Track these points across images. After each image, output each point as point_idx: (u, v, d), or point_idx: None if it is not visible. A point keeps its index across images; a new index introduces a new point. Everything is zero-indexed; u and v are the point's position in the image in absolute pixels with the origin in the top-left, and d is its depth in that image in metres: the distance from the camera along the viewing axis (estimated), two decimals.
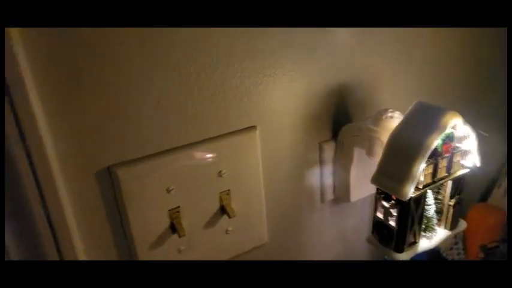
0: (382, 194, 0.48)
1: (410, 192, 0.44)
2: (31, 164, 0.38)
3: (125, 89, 0.43)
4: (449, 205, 0.51)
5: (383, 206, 0.49)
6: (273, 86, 0.53)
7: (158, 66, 0.44)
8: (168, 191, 0.49)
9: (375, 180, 0.47)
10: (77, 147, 0.43)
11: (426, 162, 0.44)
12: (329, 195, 0.65)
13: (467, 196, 0.53)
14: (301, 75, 0.55)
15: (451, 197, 0.51)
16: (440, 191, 0.51)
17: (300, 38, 0.53)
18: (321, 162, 0.62)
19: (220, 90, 0.50)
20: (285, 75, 0.54)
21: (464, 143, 0.48)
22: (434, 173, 0.47)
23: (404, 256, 0.49)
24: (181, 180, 0.50)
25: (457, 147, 0.48)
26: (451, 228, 0.52)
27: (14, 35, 0.35)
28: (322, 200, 0.66)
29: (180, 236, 0.51)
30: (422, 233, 0.51)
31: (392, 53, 0.61)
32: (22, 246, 0.41)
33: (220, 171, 0.52)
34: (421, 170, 0.44)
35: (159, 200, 0.49)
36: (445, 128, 0.43)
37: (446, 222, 0.52)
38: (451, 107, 0.43)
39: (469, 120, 0.46)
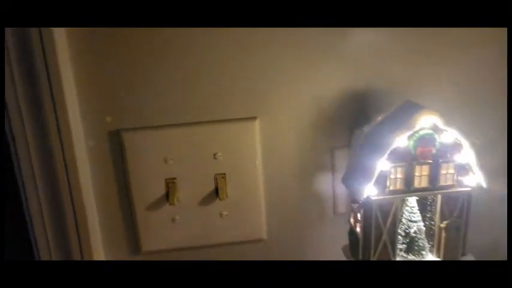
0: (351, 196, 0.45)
1: (365, 191, 0.40)
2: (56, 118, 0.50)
3: (141, 67, 0.53)
4: (441, 228, 0.44)
5: (353, 209, 0.45)
6: (279, 82, 0.56)
7: (168, 55, 0.52)
8: (166, 161, 0.56)
9: (343, 179, 0.45)
10: (96, 108, 0.54)
11: (393, 163, 0.40)
12: (342, 208, 0.62)
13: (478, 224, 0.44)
14: (312, 75, 0.56)
15: (443, 218, 0.43)
16: (430, 208, 0.44)
17: (313, 38, 0.54)
18: (334, 169, 0.60)
19: (224, 78, 0.55)
20: (293, 72, 0.55)
21: (459, 154, 0.41)
22: (408, 180, 0.41)
23: None
24: (178, 154, 0.56)
25: (445, 155, 0.41)
26: (446, 258, 0.44)
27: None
28: (335, 211, 0.62)
29: (170, 204, 0.57)
30: (404, 254, 0.45)
31: (412, 56, 0.55)
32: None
33: (215, 154, 0.57)
34: (383, 170, 0.40)
35: (157, 167, 0.56)
36: (411, 125, 0.39)
37: (438, 249, 0.44)
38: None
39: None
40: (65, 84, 0.50)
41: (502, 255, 0.51)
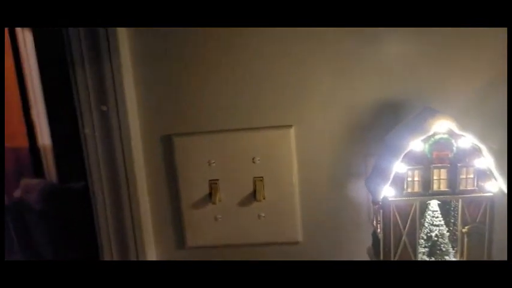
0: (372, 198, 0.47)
1: (382, 192, 0.42)
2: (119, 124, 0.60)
3: (186, 79, 0.61)
4: (463, 233, 0.44)
5: (374, 211, 0.47)
6: (314, 92, 0.60)
7: (216, 67, 0.60)
8: (210, 164, 0.63)
9: (365, 182, 0.47)
10: (152, 115, 0.62)
11: (409, 166, 0.42)
12: None
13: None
14: (346, 84, 0.59)
15: (465, 224, 0.44)
16: (453, 213, 0.45)
17: (348, 49, 0.58)
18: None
19: (264, 87, 0.60)
20: (328, 82, 0.59)
21: (478, 159, 0.42)
22: (426, 183, 0.43)
23: None
24: (221, 157, 0.63)
25: (463, 160, 0.42)
26: None
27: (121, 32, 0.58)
28: (369, 218, 0.64)
29: (212, 203, 0.63)
30: (426, 257, 0.46)
31: (437, 65, 0.56)
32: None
33: (254, 158, 0.62)
34: (399, 172, 0.42)
35: (202, 169, 0.63)
36: (426, 130, 0.41)
37: (462, 255, 0.45)
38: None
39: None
40: (127, 95, 0.60)
41: None
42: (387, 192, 0.42)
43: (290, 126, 0.61)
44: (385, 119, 0.59)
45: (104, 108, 0.59)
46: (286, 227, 0.65)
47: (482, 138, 0.42)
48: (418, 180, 0.43)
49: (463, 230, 0.44)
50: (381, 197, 0.42)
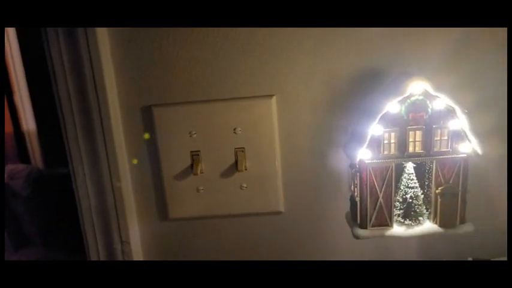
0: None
1: (358, 155, 0.43)
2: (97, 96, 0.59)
3: (165, 48, 0.60)
4: (436, 194, 0.45)
5: (352, 176, 0.48)
6: (296, 61, 0.59)
7: (196, 37, 0.59)
8: (191, 134, 0.63)
9: (343, 148, 0.47)
10: (130, 86, 0.61)
11: (386, 128, 0.43)
12: None
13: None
14: (327, 54, 0.59)
15: (438, 185, 0.45)
16: (428, 175, 0.46)
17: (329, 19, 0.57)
18: None
19: (244, 57, 0.60)
20: (309, 51, 0.59)
21: (452, 120, 0.42)
22: (402, 146, 0.43)
23: (368, 234, 0.46)
24: (202, 128, 0.62)
25: (438, 122, 0.43)
26: (442, 225, 0.45)
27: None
28: (350, 188, 0.65)
29: (194, 174, 0.63)
30: (401, 219, 0.47)
31: (419, 31, 0.56)
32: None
33: (235, 129, 0.62)
34: (375, 135, 0.42)
35: (183, 140, 0.63)
36: (402, 92, 0.41)
37: (435, 216, 0.46)
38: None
39: None
40: (104, 68, 0.59)
41: (502, 223, 0.50)
42: (363, 155, 0.43)
43: (271, 96, 0.61)
44: (367, 87, 0.59)
45: None
46: (269, 198, 0.65)
47: (456, 100, 0.42)
48: (394, 143, 0.43)
49: (437, 191, 0.45)
50: (358, 160, 0.43)
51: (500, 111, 0.49)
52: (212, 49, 0.60)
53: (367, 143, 0.42)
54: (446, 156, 0.43)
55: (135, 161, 0.64)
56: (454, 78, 0.49)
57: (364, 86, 0.58)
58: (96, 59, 0.58)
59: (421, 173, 0.46)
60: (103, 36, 0.59)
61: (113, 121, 0.61)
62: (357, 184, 0.46)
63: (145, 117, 0.63)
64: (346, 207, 0.61)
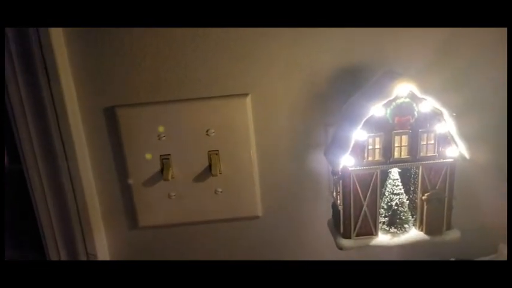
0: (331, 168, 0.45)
1: (340, 162, 0.40)
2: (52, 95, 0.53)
3: (129, 45, 0.54)
4: (423, 200, 0.43)
5: (334, 182, 0.45)
6: (272, 58, 0.56)
7: (164, 31, 0.53)
8: (160, 137, 0.58)
9: (324, 152, 0.44)
10: (91, 86, 0.56)
11: (370, 133, 0.40)
12: None
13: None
14: (305, 50, 0.55)
15: (424, 191, 0.42)
16: (413, 180, 0.43)
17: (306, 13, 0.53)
18: None
19: (216, 54, 0.55)
20: (285, 48, 0.55)
21: (439, 124, 0.40)
22: (387, 151, 0.41)
23: (352, 244, 0.43)
24: (172, 131, 0.58)
25: (424, 125, 0.40)
26: (428, 232, 0.43)
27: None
28: (330, 190, 0.62)
29: (164, 180, 0.58)
30: (386, 227, 0.44)
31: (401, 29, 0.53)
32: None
33: (208, 130, 0.58)
34: (359, 140, 0.39)
35: (151, 144, 0.58)
36: (388, 94, 0.38)
37: (421, 223, 0.44)
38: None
39: None
40: (59, 64, 0.53)
41: (489, 229, 0.49)
42: (347, 161, 0.40)
43: (246, 94, 0.57)
44: (347, 87, 0.56)
45: None
46: (245, 202, 0.62)
47: (443, 102, 0.40)
48: (379, 148, 0.40)
49: (423, 198, 0.42)
50: (341, 167, 0.40)
51: (489, 113, 0.47)
52: (181, 45, 0.55)
53: (350, 149, 0.38)
54: (432, 161, 0.41)
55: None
56: (441, 78, 0.47)
57: (346, 85, 0.55)
58: (50, 57, 0.52)
59: (406, 178, 0.44)
60: (57, 32, 0.52)
61: (71, 124, 0.55)
62: (339, 192, 0.43)
63: (109, 119, 0.58)
64: (327, 211, 0.58)
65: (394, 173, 0.43)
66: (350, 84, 0.55)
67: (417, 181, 0.42)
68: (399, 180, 0.43)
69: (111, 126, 0.58)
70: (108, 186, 0.60)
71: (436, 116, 0.40)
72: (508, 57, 0.47)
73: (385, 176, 0.43)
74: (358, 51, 0.55)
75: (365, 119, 0.38)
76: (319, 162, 0.59)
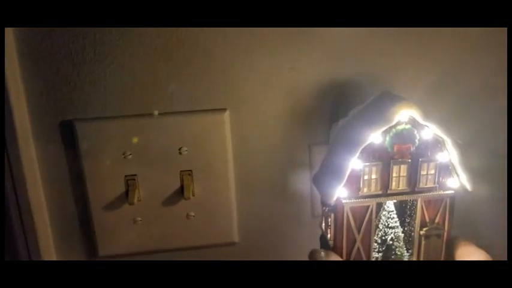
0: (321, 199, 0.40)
1: (334, 194, 0.35)
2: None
3: (92, 49, 0.47)
4: (421, 235, 0.39)
5: (323, 213, 0.40)
6: (252, 70, 0.51)
7: (131, 35, 0.47)
8: (125, 156, 0.51)
9: (313, 179, 0.40)
10: (46, 96, 0.48)
11: (366, 162, 0.35)
12: (321, 210, 0.57)
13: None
14: (288, 64, 0.51)
15: (423, 225, 0.38)
16: (410, 212, 0.39)
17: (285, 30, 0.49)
18: (311, 167, 0.55)
19: (189, 63, 0.49)
20: (268, 60, 0.51)
21: (440, 153, 0.36)
22: (384, 182, 0.37)
23: None
24: (139, 148, 0.51)
25: (425, 154, 0.36)
26: None
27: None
28: (313, 213, 0.58)
29: (130, 203, 0.52)
30: None
31: (394, 46, 0.51)
32: None
33: (180, 148, 0.52)
34: (355, 169, 0.35)
35: (115, 163, 0.51)
36: (388, 119, 0.34)
37: (418, 258, 0.40)
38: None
39: None
40: (8, 73, 0.45)
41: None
42: (341, 193, 0.35)
43: (224, 109, 0.52)
44: (333, 104, 0.53)
45: None
46: (221, 227, 0.56)
47: (446, 129, 0.36)
48: (376, 178, 0.36)
49: (421, 233, 0.39)
50: (333, 199, 0.35)
51: (496, 144, 0.44)
52: (151, 52, 0.49)
53: (345, 179, 0.34)
54: (433, 193, 0.37)
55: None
56: (444, 104, 0.43)
57: (332, 102, 0.51)
58: None
59: (402, 208, 0.40)
60: (7, 34, 0.45)
61: (19, 138, 0.48)
62: (329, 225, 0.38)
63: (66, 134, 0.50)
64: (311, 236, 0.53)
65: (390, 204, 0.39)
66: (337, 101, 0.53)
67: (414, 213, 0.39)
68: (395, 212, 0.39)
69: (68, 143, 0.50)
70: (62, 210, 0.53)
71: (438, 143, 0.36)
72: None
73: (379, 207, 0.38)
74: (348, 66, 0.51)
75: (363, 146, 0.33)
76: (302, 183, 0.56)
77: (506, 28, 0.45)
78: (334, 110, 0.53)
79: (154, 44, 0.48)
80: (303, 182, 0.56)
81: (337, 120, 0.52)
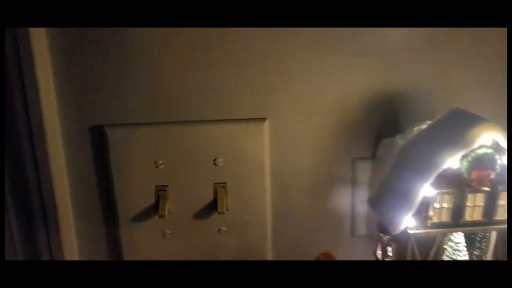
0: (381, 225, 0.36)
1: (401, 223, 0.31)
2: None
3: (125, 53, 0.45)
4: None
5: (381, 241, 0.36)
6: (296, 78, 0.48)
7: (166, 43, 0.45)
8: (157, 165, 0.48)
9: (370, 201, 0.36)
10: (77, 103, 0.46)
11: (439, 189, 0.31)
12: (361, 229, 0.53)
13: None
14: (335, 73, 0.48)
15: (496, 259, 0.34)
16: (480, 245, 0.35)
17: (334, 37, 0.46)
18: (354, 184, 0.52)
19: (228, 69, 0.47)
20: (313, 68, 0.48)
21: None
22: (456, 211, 0.32)
23: None
24: (171, 158, 0.48)
25: (505, 182, 0.32)
26: None
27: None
28: (352, 233, 0.54)
29: (159, 216, 0.48)
30: None
31: (449, 57, 0.47)
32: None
33: (215, 159, 0.48)
34: (427, 197, 0.31)
35: (146, 172, 0.49)
36: (468, 143, 0.29)
37: None
38: None
39: None
40: (40, 80, 0.42)
41: None
42: (408, 222, 0.31)
43: (264, 119, 0.48)
44: (381, 117, 0.49)
45: None
46: (254, 244, 0.53)
47: None
48: (448, 208, 0.32)
49: None
50: (399, 229, 0.31)
51: None
52: (187, 57, 0.46)
53: (415, 207, 0.30)
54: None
55: None
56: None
57: (379, 114, 0.48)
58: (28, 66, 0.41)
59: (470, 240, 0.35)
60: (40, 37, 0.42)
61: (48, 142, 0.45)
62: (389, 255, 0.34)
63: (96, 141, 0.48)
64: (349, 255, 0.52)
65: (457, 235, 0.34)
66: (387, 115, 0.49)
67: (486, 246, 0.34)
68: (463, 244, 0.34)
69: (98, 150, 0.48)
70: (90, 222, 0.51)
71: None
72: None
73: (445, 237, 0.34)
74: (402, 78, 0.48)
75: (438, 171, 0.29)
76: (342, 200, 0.53)
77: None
78: (383, 124, 0.49)
79: (189, 48, 0.45)
80: (344, 198, 0.52)
81: (386, 136, 0.48)
